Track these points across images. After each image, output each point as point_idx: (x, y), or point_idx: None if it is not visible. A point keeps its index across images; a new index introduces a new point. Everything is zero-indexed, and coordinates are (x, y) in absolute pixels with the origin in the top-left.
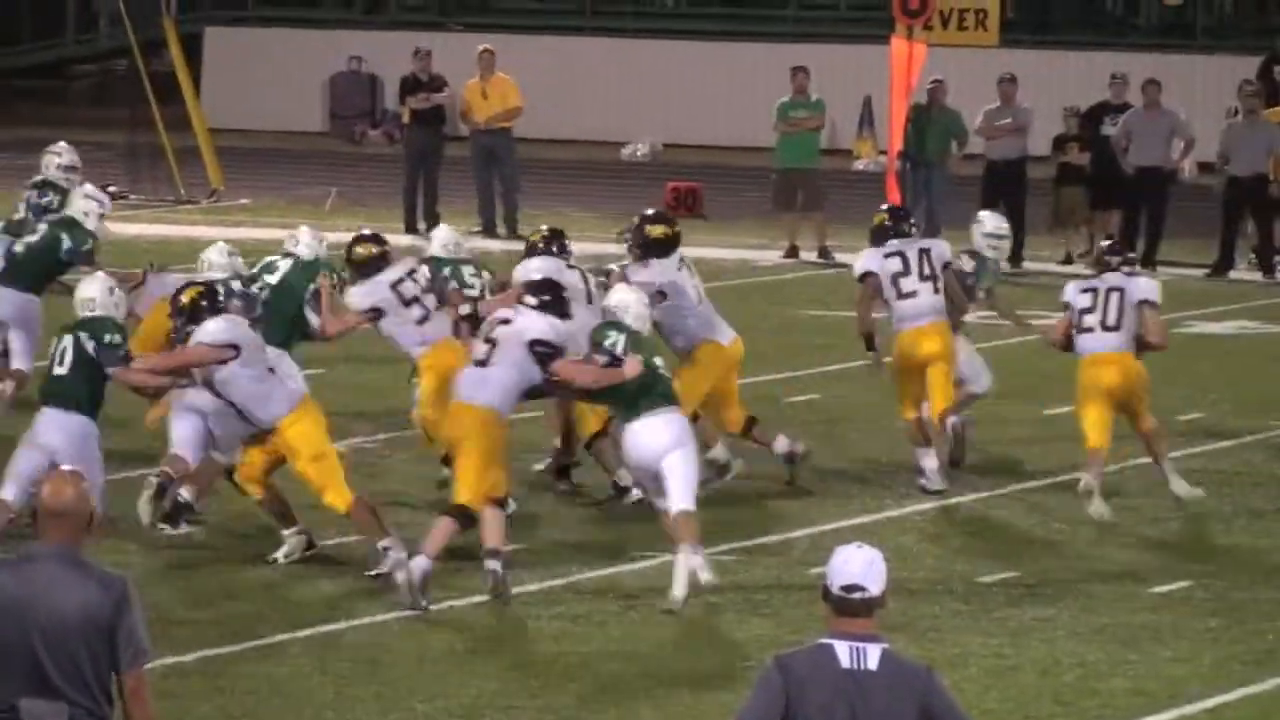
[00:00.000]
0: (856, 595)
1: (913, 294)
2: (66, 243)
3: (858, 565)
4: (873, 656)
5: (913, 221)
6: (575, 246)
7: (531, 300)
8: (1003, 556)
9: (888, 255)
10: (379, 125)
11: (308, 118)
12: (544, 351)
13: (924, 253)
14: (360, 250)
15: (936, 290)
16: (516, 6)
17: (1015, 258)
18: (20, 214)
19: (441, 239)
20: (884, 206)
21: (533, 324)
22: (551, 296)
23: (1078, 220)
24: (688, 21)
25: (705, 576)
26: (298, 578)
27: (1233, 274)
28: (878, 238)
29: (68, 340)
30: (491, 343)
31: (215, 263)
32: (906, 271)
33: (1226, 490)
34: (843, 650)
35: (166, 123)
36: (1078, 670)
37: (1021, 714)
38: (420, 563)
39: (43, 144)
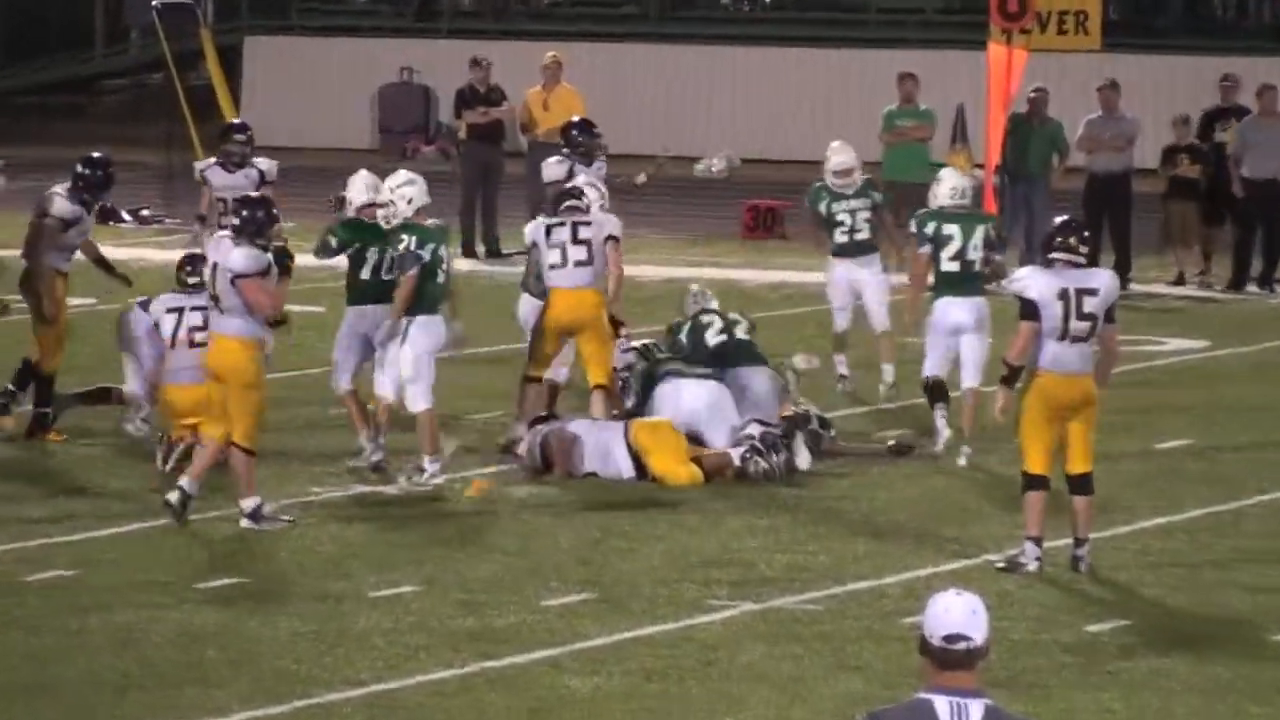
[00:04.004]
0: (959, 646)
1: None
2: None
3: (959, 613)
4: (975, 712)
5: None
6: (650, 271)
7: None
8: (1114, 604)
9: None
10: (433, 141)
11: (356, 134)
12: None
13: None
14: None
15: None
16: (579, 12)
17: (1122, 279)
18: None
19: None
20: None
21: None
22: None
23: (1189, 238)
24: (764, 27)
25: None
26: (349, 633)
27: None
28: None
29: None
30: None
31: None
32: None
33: None
34: (943, 706)
35: (203, 141)
36: None
37: None
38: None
39: (70, 164)
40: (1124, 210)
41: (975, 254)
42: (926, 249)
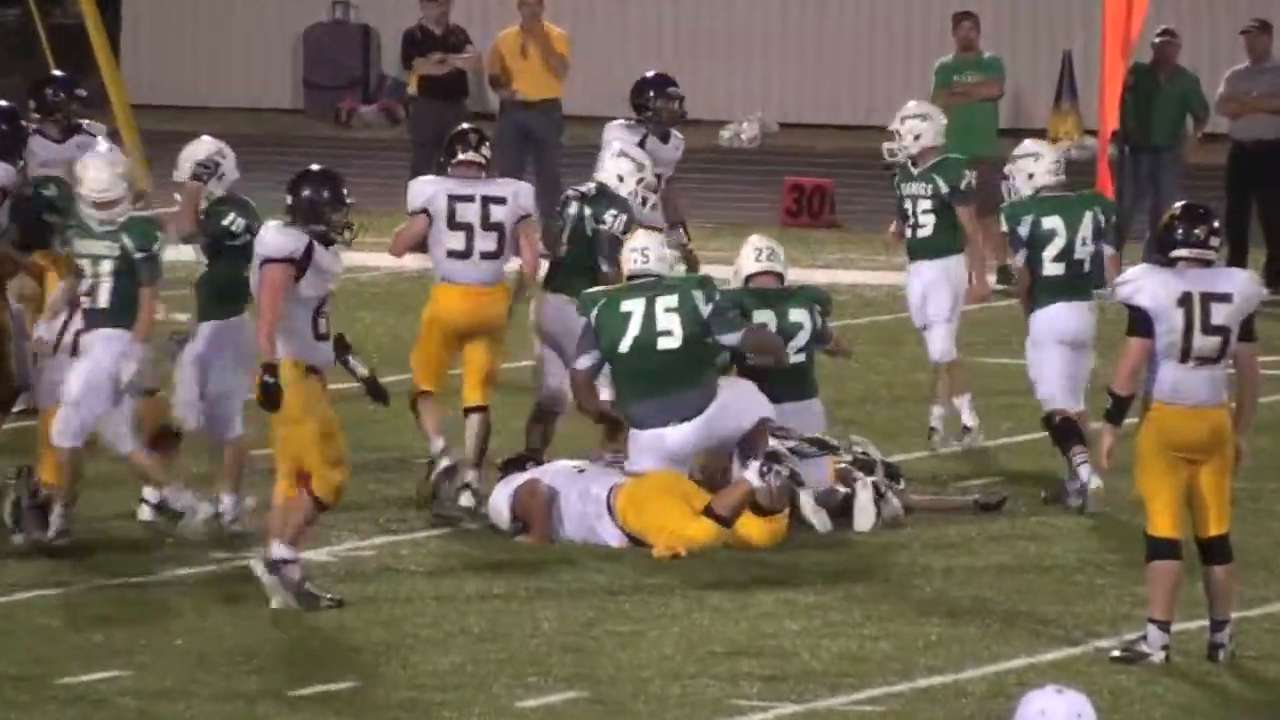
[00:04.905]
0: None
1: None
2: None
3: (1060, 716)
4: None
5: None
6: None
7: None
8: (1262, 703)
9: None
10: (374, 99)
11: (273, 89)
12: None
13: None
14: None
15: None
16: None
17: (1275, 281)
18: None
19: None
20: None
21: None
22: None
23: None
24: None
25: None
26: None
27: None
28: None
29: None
30: None
31: None
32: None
33: None
34: None
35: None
36: None
37: None
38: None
39: None
40: (1278, 190)
41: (1085, 250)
42: (1024, 254)
